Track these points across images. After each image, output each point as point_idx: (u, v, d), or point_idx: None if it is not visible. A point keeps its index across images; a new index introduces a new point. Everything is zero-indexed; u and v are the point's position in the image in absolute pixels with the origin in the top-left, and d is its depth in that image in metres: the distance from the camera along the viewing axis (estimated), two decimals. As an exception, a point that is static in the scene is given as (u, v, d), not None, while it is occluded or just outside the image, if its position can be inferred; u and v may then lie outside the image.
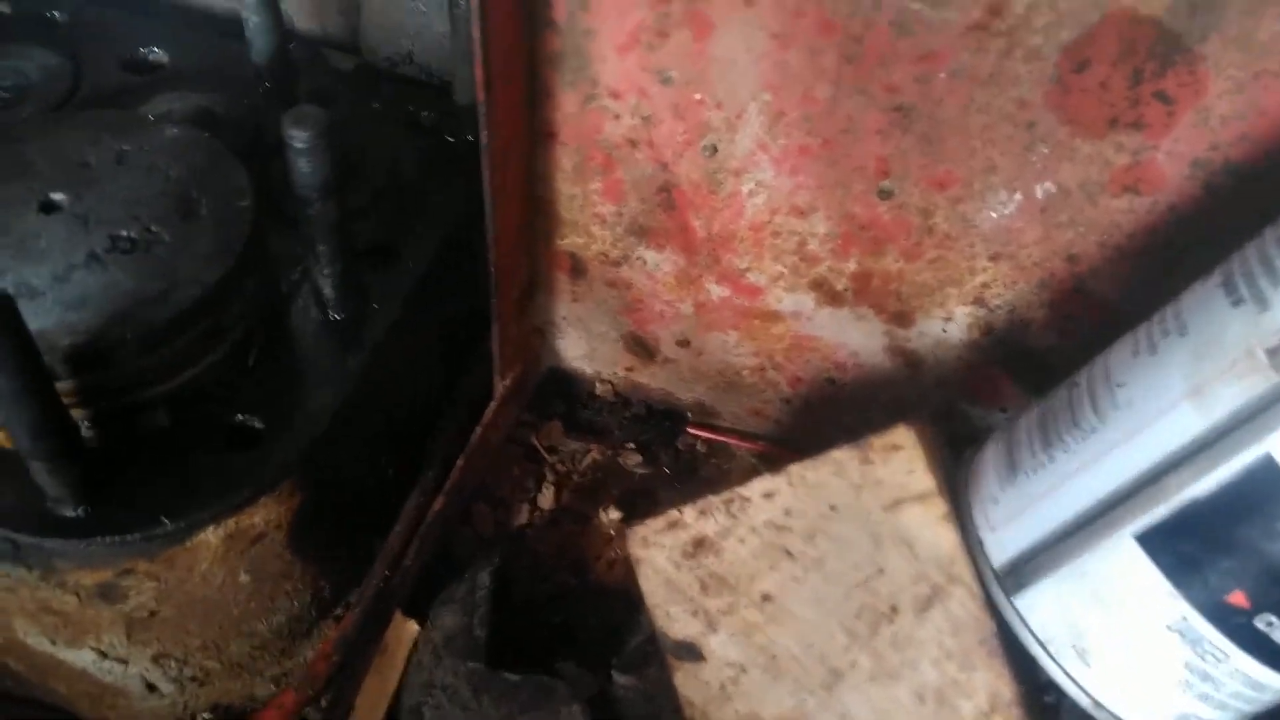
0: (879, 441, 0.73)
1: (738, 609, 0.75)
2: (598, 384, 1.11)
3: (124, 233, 0.78)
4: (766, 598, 0.74)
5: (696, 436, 1.09)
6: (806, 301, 0.93)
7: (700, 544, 0.76)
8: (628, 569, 0.97)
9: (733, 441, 1.08)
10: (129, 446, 0.78)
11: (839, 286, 0.91)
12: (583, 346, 1.08)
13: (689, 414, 1.10)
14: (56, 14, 1.13)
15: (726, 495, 0.75)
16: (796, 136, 0.82)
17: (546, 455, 1.06)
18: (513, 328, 0.99)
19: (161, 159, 0.83)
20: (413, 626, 0.88)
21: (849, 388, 1.00)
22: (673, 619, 0.76)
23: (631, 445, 1.08)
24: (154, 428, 0.80)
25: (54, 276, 0.75)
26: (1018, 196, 0.80)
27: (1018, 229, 0.82)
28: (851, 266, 0.90)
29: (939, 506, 0.72)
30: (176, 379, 0.79)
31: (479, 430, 0.99)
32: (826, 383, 1.00)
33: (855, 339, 0.95)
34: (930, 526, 0.72)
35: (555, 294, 1.02)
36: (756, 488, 0.75)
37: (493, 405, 1.01)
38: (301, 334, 0.88)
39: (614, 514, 1.01)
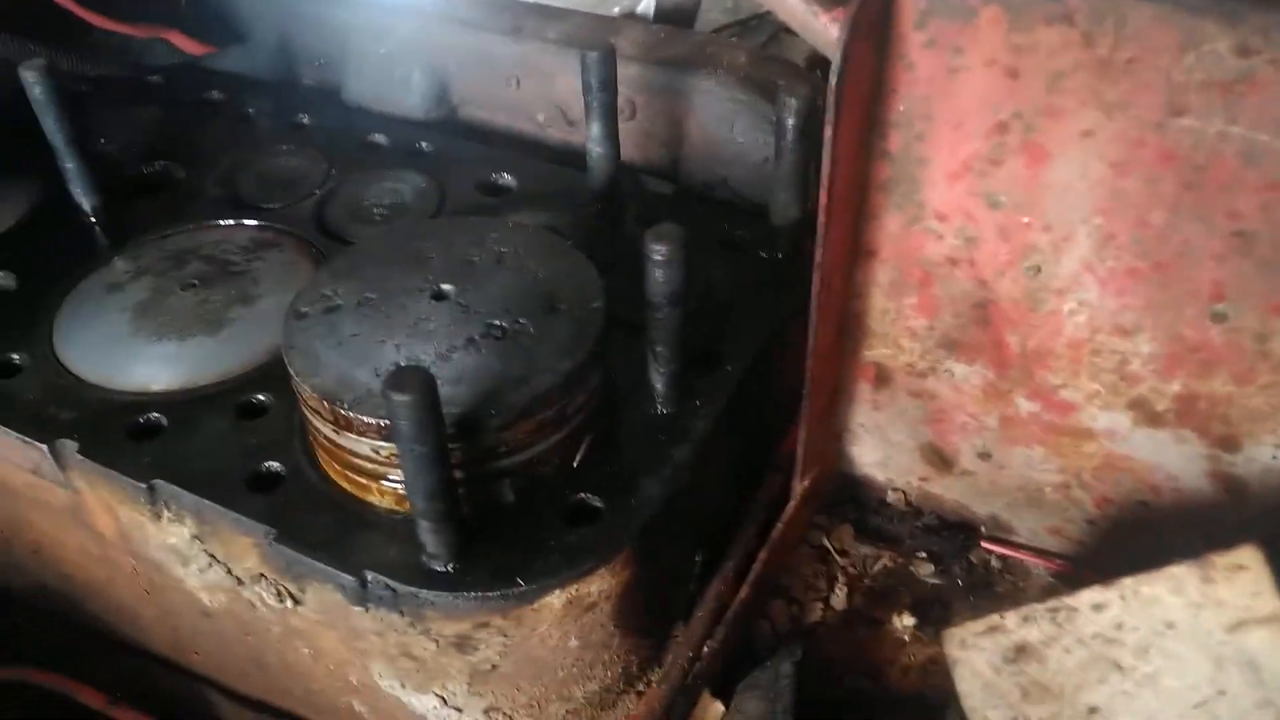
0: (1222, 560, 0.72)
1: (1061, 718, 0.75)
2: (890, 491, 1.13)
3: (497, 322, 0.89)
4: (1093, 710, 0.74)
5: (991, 551, 1.09)
6: (1123, 421, 0.94)
7: (1022, 650, 0.77)
8: (923, 676, 0.99)
9: (1029, 559, 1.08)
10: (485, 515, 0.88)
11: (1160, 407, 0.91)
12: (878, 454, 1.11)
13: (983, 528, 1.10)
14: (424, 145, 1.31)
15: (1052, 604, 0.76)
16: (1126, 259, 0.84)
17: (839, 557, 1.09)
18: (818, 431, 1.04)
19: (530, 261, 0.95)
20: (719, 707, 0.92)
21: (1163, 511, 0.98)
22: (992, 724, 0.77)
23: (923, 554, 1.09)
24: (503, 501, 0.90)
25: (438, 355, 0.87)
26: (1366, 324, 0.79)
27: (1365, 357, 0.80)
28: (1175, 388, 0.90)
29: (1289, 633, 0.70)
30: (526, 454, 0.88)
31: (779, 527, 1.04)
32: (1138, 505, 0.99)
33: (1174, 461, 0.94)
34: (1275, 650, 0.70)
35: (857, 401, 1.07)
36: (1085, 598, 0.75)
37: (792, 504, 1.06)
38: (634, 426, 0.96)
39: (908, 620, 1.03)
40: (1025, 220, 0.86)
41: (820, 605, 1.05)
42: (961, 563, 1.08)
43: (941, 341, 0.98)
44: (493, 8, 1.36)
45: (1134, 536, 1.01)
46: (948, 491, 1.10)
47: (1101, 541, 1.04)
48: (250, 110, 1.39)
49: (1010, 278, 0.90)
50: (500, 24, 1.34)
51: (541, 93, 1.33)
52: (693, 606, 1.00)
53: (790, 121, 1.03)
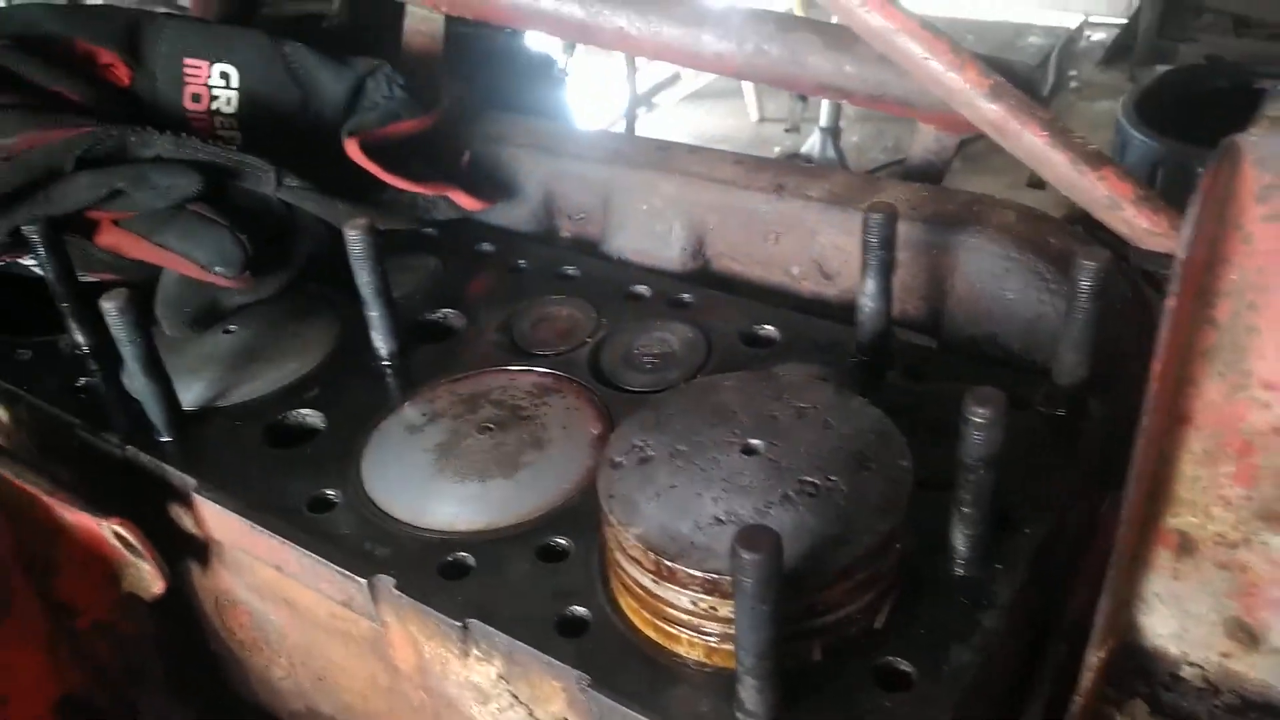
0: None
1: None
2: (1185, 665, 1.07)
3: (810, 479, 0.91)
4: None
5: (1304, 739, 1.02)
6: None
7: None
8: None
9: (1349, 750, 1.00)
10: (793, 675, 0.88)
11: None
12: (1174, 625, 1.06)
13: (1294, 713, 1.03)
14: (685, 296, 1.37)
15: None
16: None
17: (1135, 735, 1.04)
18: (1119, 596, 1.01)
19: (832, 416, 0.97)
20: None
21: None
22: None
23: (1229, 738, 1.02)
24: (810, 660, 0.89)
25: (756, 510, 0.89)
26: None
27: None
28: None
29: None
30: (838, 613, 0.88)
31: (1077, 700, 1.00)
32: None
33: None
34: None
35: (1155, 570, 1.03)
36: None
37: (1089, 675, 1.02)
38: (931, 584, 0.95)
39: (1220, 811, 0.96)
40: (1368, 394, 0.84)
41: (1120, 786, 1.00)
42: (1272, 749, 1.01)
43: (1260, 513, 0.94)
44: (754, 168, 1.43)
45: None
46: (1254, 670, 1.03)
47: None
48: (520, 262, 1.49)
49: (1346, 450, 0.87)
50: (762, 183, 1.40)
51: (800, 247, 1.38)
52: (989, 780, 0.96)
53: (1086, 284, 1.03)
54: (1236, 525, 0.96)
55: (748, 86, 5.52)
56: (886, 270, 1.17)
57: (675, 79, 5.90)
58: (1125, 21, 6.05)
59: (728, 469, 0.93)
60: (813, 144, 5.00)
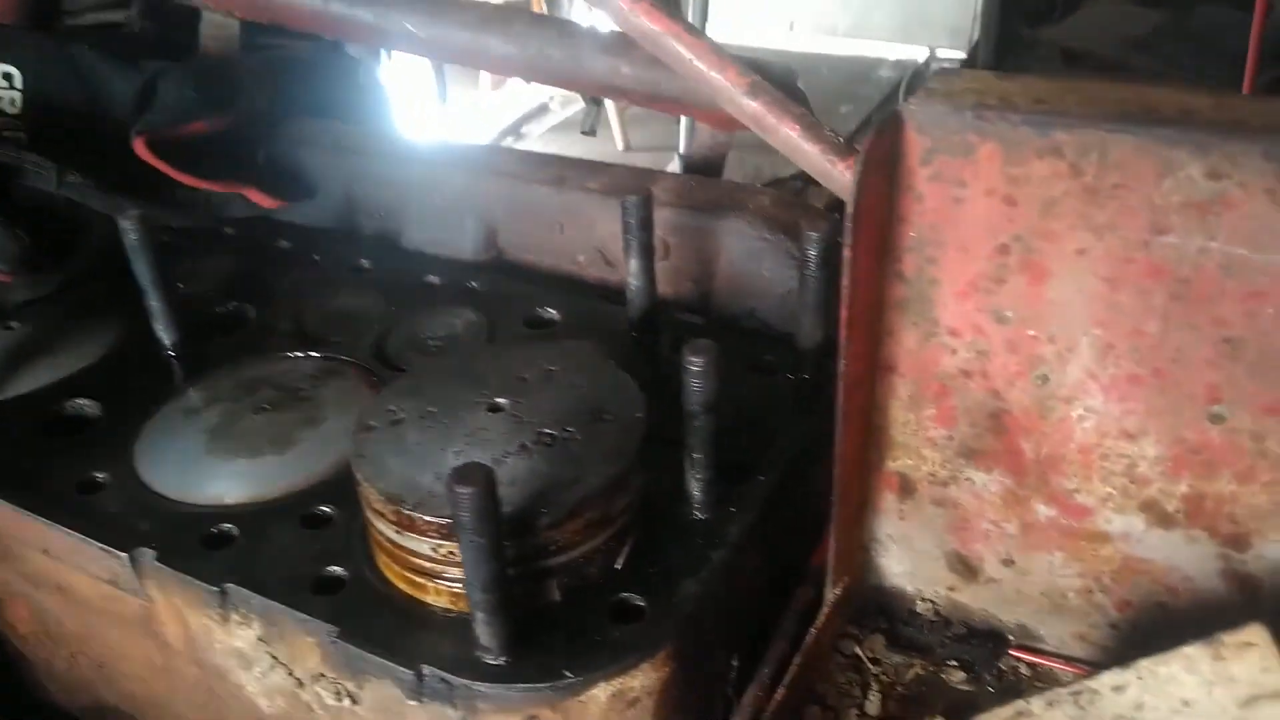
0: (1231, 639, 0.76)
1: (1092, 802, 0.78)
2: (919, 602, 1.17)
3: (548, 430, 0.97)
4: (1121, 792, 0.77)
5: (1019, 659, 1.12)
6: (1136, 523, 0.99)
7: (1051, 734, 0.80)
8: (960, 780, 1.01)
9: (1057, 665, 1.11)
10: (534, 612, 0.94)
11: (1170, 508, 0.97)
12: (906, 564, 1.16)
13: (1011, 636, 1.14)
14: (475, 284, 1.43)
15: (1075, 687, 0.80)
16: (1126, 366, 0.92)
17: (871, 665, 1.13)
18: (846, 541, 1.10)
19: (578, 376, 1.04)
20: (760, 809, 0.95)
21: (1181, 612, 1.02)
22: (1025, 808, 0.80)
23: (954, 662, 1.12)
24: (551, 598, 0.95)
25: (494, 460, 0.94)
26: (1354, 421, 0.85)
27: (1358, 454, 0.86)
28: (1183, 489, 0.95)
29: (1301, 708, 0.73)
30: (572, 553, 0.94)
31: (813, 632, 1.08)
32: (1156, 607, 1.03)
33: (1188, 562, 0.98)
34: (1292, 730, 0.74)
35: (883, 512, 1.13)
36: (1106, 680, 0.79)
37: (825, 611, 1.10)
38: (671, 529, 1.02)
39: (941, 726, 1.05)
40: (1031, 333, 0.94)
41: (855, 712, 1.08)
42: (992, 670, 1.11)
43: (960, 450, 1.04)
44: (539, 163, 1.50)
45: (1155, 639, 1.03)
46: (975, 600, 1.14)
47: (1124, 645, 1.07)
48: (316, 256, 1.52)
49: (1020, 388, 0.98)
50: (545, 176, 1.47)
51: (583, 237, 1.45)
52: (729, 712, 1.03)
53: (812, 253, 1.13)
54: (943, 464, 1.06)
55: (613, 116, 5.64)
56: (647, 251, 1.24)
57: (544, 110, 5.98)
58: (965, 56, 6.42)
59: (472, 425, 0.98)
60: (675, 169, 5.12)
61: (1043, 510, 1.03)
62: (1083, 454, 0.98)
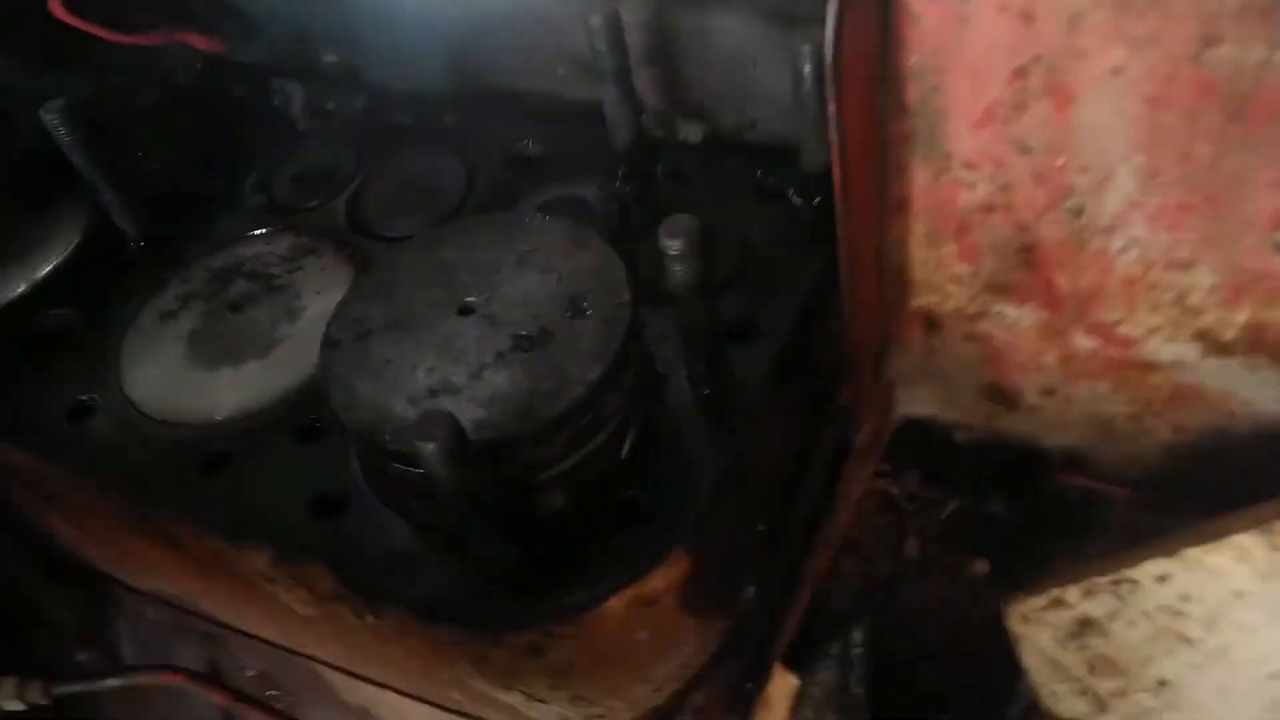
0: (1288, 527, 0.68)
1: (1130, 692, 0.74)
2: (956, 431, 1.11)
3: (524, 332, 0.89)
4: (1163, 683, 0.72)
5: (1068, 484, 1.06)
6: (1190, 352, 0.89)
7: (1086, 625, 0.75)
8: (999, 627, 0.98)
9: (1110, 488, 1.05)
10: (537, 527, 0.89)
11: (1228, 337, 0.86)
12: (939, 396, 1.08)
13: (1056, 460, 1.07)
14: (449, 119, 1.29)
15: (1114, 576, 0.74)
16: (1174, 194, 0.78)
17: (907, 505, 1.08)
18: (870, 384, 1.02)
19: (555, 259, 0.93)
20: (793, 680, 0.94)
21: (1242, 436, 0.93)
22: (1059, 698, 0.76)
23: (996, 493, 1.07)
24: (554, 509, 0.90)
25: (469, 375, 0.87)
26: None
27: None
28: (1243, 317, 0.84)
29: (1365, 598, 0.67)
30: (566, 462, 0.88)
31: (841, 483, 1.03)
32: (1215, 431, 0.94)
33: (1248, 389, 0.89)
34: (1354, 618, 0.67)
35: (910, 349, 1.04)
36: (1148, 570, 0.73)
37: (852, 458, 1.04)
38: (678, 411, 0.95)
39: (982, 566, 1.01)
40: (1060, 163, 0.81)
41: (891, 557, 1.05)
42: (1037, 499, 1.06)
43: (988, 286, 0.94)
44: (497, -35, 1.31)
45: (1215, 460, 0.97)
46: (1017, 426, 1.07)
47: (1183, 466, 1.00)
48: (275, 103, 1.39)
49: (1051, 220, 0.85)
50: (506, -17, 1.29)
51: (559, 47, 1.29)
52: (763, 575, 1.01)
53: (807, 67, 0.97)
54: (971, 300, 0.96)
55: None
56: (623, 76, 1.10)
57: None
58: None
59: (443, 334, 0.90)
60: None
61: (1083, 342, 0.93)
62: (1126, 286, 0.87)
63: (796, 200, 1.10)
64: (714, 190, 1.15)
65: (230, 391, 1.05)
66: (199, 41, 1.37)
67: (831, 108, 0.75)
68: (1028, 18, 0.73)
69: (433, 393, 0.86)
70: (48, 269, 1.22)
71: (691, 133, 1.25)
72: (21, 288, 1.20)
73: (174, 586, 1.25)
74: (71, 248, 1.25)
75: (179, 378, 1.08)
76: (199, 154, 1.35)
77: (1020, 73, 0.76)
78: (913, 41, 0.78)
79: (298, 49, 1.46)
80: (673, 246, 0.83)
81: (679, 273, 0.85)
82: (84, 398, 1.09)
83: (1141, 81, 0.73)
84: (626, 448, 0.92)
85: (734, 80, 1.18)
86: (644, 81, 1.21)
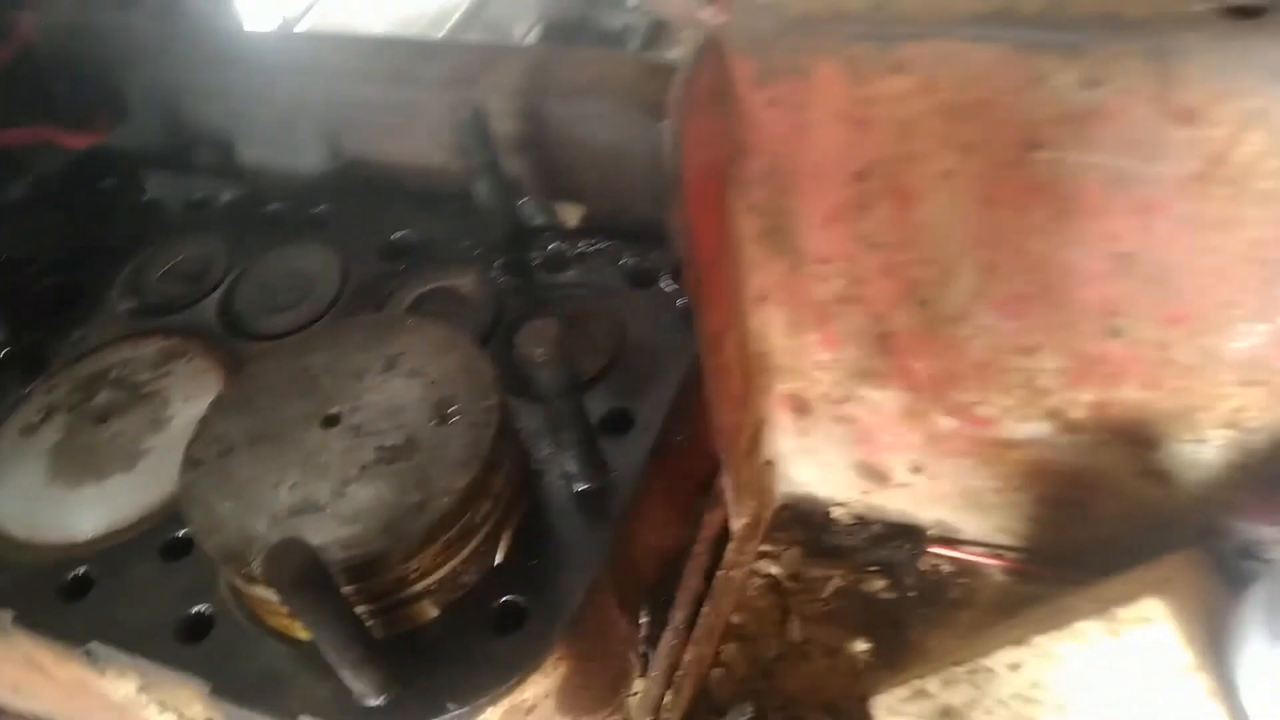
0: (1125, 613, 0.71)
1: (994, 779, 0.75)
2: (833, 507, 1.12)
3: (390, 443, 0.88)
4: (1023, 770, 0.74)
5: (940, 555, 1.08)
6: (1043, 429, 0.91)
7: (947, 713, 0.77)
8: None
9: (980, 559, 1.07)
10: (408, 637, 0.88)
11: (1075, 415, 0.89)
12: (814, 474, 1.09)
13: (929, 531, 1.09)
14: (323, 208, 1.28)
15: (970, 666, 0.75)
16: (1014, 285, 0.81)
17: (789, 584, 1.09)
18: (744, 472, 1.03)
19: (422, 362, 0.93)
20: (680, 775, 0.93)
21: (1100, 506, 0.96)
22: (928, 788, 0.77)
23: (874, 568, 1.08)
24: (428, 619, 0.89)
25: (333, 492, 0.86)
26: (1262, 328, 0.75)
27: (1270, 358, 0.77)
28: (1087, 397, 0.87)
29: (1202, 681, 0.69)
30: (437, 574, 0.87)
31: (722, 569, 1.03)
32: (1074, 504, 0.97)
33: (1100, 461, 0.92)
34: (1193, 702, 0.69)
35: (783, 431, 1.05)
36: (1001, 659, 0.75)
37: (732, 545, 1.05)
38: (554, 508, 0.95)
39: (861, 644, 1.02)
40: (906, 258, 0.83)
41: (775, 639, 1.05)
42: (912, 572, 1.08)
43: (851, 371, 0.95)
44: (369, 54, 1.31)
45: (1077, 529, 0.99)
46: (890, 502, 1.08)
47: (1048, 533, 1.02)
48: (145, 196, 1.36)
49: (904, 310, 0.87)
50: (380, 70, 1.29)
51: (432, 134, 1.29)
52: (646, 665, 1.00)
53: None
54: (836, 384, 0.98)
55: None
56: (492, 169, 1.10)
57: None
58: None
59: (307, 448, 0.89)
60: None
61: (945, 421, 0.95)
62: (979, 369, 0.89)
63: (668, 286, 1.12)
64: (589, 275, 1.16)
65: (94, 509, 1.02)
66: (68, 139, 1.34)
67: (676, 214, 0.76)
68: (861, 124, 0.75)
69: (295, 511, 0.85)
70: (-97, 382, 1.18)
71: (569, 215, 1.26)
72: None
73: (45, 705, 1.19)
74: (-70, 360, 1.21)
75: (40, 496, 1.04)
76: (67, 251, 1.32)
77: (860, 175, 0.78)
78: (757, 147, 0.80)
79: (170, 132, 1.44)
80: (536, 355, 0.83)
81: (545, 379, 0.85)
82: (-61, 520, 1.05)
83: (973, 183, 0.75)
84: (500, 553, 0.92)
85: (608, 167, 1.20)
86: (520, 166, 1.22)
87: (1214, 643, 0.73)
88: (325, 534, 0.83)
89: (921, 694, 0.77)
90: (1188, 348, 0.79)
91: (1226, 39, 0.64)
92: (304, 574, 0.72)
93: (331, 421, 0.90)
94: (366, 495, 0.85)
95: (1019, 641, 0.74)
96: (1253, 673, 0.69)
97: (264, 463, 0.88)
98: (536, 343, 0.83)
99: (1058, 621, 0.72)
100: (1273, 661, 0.68)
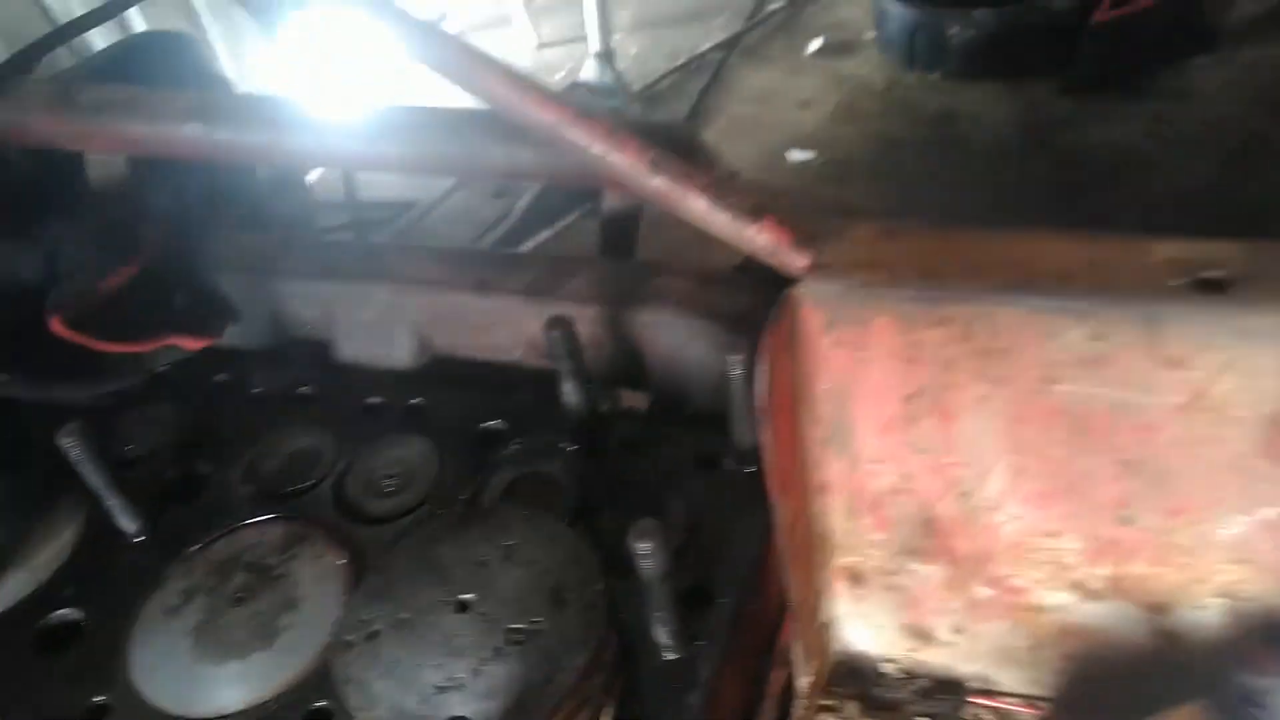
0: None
1: None
2: (883, 663, 1.27)
3: (517, 626, 1.03)
4: None
5: (981, 705, 1.22)
6: (1068, 598, 1.07)
7: None
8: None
9: (1015, 706, 1.21)
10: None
11: (1095, 586, 1.05)
12: (867, 635, 1.25)
13: (971, 684, 1.24)
14: (418, 400, 1.45)
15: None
16: (1040, 484, 0.98)
17: (851, 734, 1.23)
18: (810, 636, 1.18)
19: (534, 552, 1.09)
20: None
21: (1121, 663, 1.11)
22: None
23: (922, 717, 1.22)
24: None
25: (472, 671, 1.00)
26: (1246, 519, 0.92)
27: (1253, 542, 0.94)
28: (1105, 572, 1.03)
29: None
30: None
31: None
32: (1097, 660, 1.12)
33: (1118, 625, 1.07)
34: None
35: (839, 598, 1.21)
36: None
37: (801, 701, 1.19)
38: (646, 675, 1.10)
39: (919, 791, 1.16)
40: (949, 460, 1.00)
41: (841, 785, 1.19)
42: (956, 718, 1.22)
43: (900, 549, 1.12)
44: (458, 265, 1.51)
45: (1100, 682, 1.14)
46: (934, 658, 1.23)
47: (1075, 688, 1.17)
48: (256, 389, 1.53)
49: (947, 501, 1.04)
50: (468, 281, 1.48)
51: (514, 334, 1.48)
52: (729, 814, 1.13)
53: (736, 372, 1.17)
54: (887, 560, 1.14)
55: (520, 12, 5.44)
56: (579, 373, 1.28)
57: (442, 17, 5.75)
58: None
59: (444, 631, 1.03)
60: (589, 68, 4.99)
61: (983, 591, 1.11)
62: (1011, 549, 1.06)
63: (731, 467, 1.28)
64: (659, 458, 1.33)
65: (238, 684, 1.16)
66: (185, 341, 1.52)
67: (763, 437, 0.93)
68: (911, 360, 0.94)
69: (440, 689, 0.99)
70: (55, 568, 1.32)
71: (638, 401, 1.43)
72: (30, 589, 1.30)
73: None
74: (71, 546, 1.36)
75: (187, 675, 1.18)
76: (186, 442, 1.48)
77: (909, 399, 0.97)
78: (823, 376, 0.98)
79: (275, 332, 1.62)
80: (642, 549, 0.99)
81: (649, 568, 1.01)
82: (97, 699, 1.18)
83: (1003, 406, 0.93)
84: (610, 716, 1.06)
85: (672, 365, 1.38)
86: (595, 360, 1.39)
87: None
88: (468, 708, 0.97)
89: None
90: (1186, 533, 0.96)
91: (1201, 307, 0.82)
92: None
93: (463, 608, 1.05)
94: (501, 674, 1.00)
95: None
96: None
97: (407, 645, 1.03)
98: (643, 537, 0.99)
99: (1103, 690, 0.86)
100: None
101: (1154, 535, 0.97)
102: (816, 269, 0.94)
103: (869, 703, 1.25)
